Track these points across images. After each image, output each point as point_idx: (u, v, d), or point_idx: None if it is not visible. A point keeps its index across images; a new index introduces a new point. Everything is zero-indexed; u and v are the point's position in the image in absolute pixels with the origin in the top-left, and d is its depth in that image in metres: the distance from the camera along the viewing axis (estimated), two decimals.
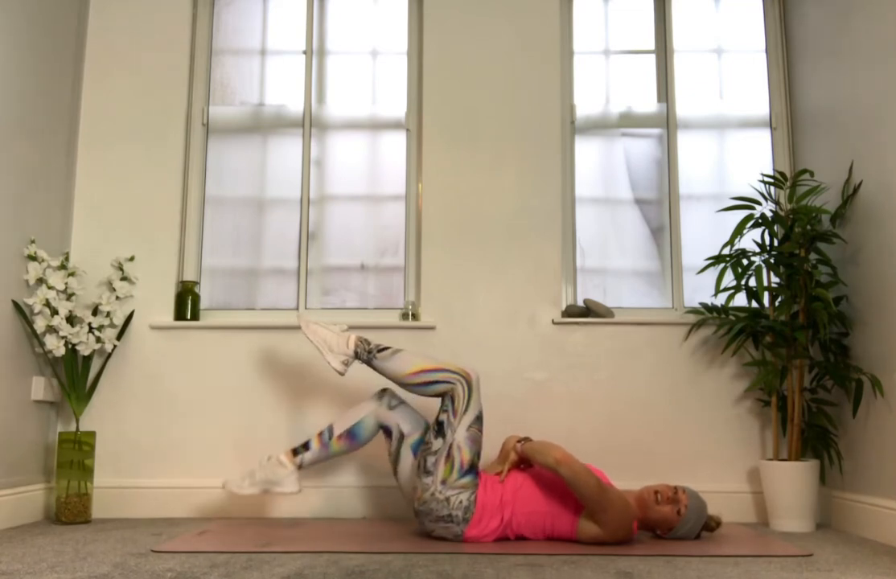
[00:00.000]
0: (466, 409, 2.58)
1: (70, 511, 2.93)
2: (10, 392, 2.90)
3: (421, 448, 2.62)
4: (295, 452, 2.72)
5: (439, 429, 2.58)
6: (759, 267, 3.00)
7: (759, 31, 3.61)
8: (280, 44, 3.63)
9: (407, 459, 2.68)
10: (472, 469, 2.55)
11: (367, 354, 2.72)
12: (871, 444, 2.78)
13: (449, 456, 2.53)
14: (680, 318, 3.31)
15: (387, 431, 2.73)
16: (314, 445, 2.72)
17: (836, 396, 3.04)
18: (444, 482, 2.52)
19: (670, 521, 2.55)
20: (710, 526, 2.66)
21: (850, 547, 2.53)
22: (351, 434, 2.72)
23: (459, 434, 2.55)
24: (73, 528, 2.82)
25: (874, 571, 2.12)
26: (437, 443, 2.56)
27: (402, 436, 2.70)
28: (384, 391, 2.78)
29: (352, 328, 3.28)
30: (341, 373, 2.74)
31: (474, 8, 3.48)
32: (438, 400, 2.95)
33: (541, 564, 2.17)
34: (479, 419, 2.60)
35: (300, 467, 2.71)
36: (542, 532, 2.55)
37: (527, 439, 2.65)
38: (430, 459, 2.55)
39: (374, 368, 2.72)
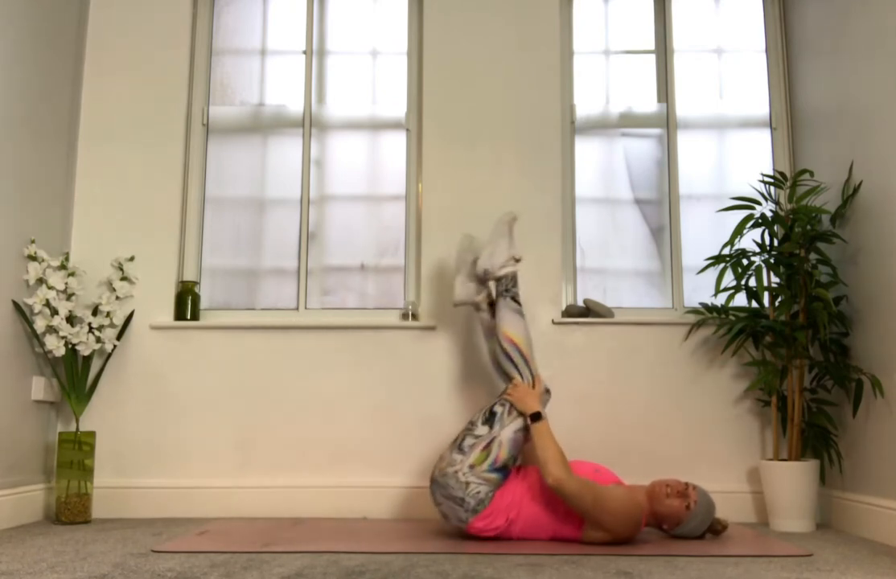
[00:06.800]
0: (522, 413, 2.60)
1: (70, 511, 2.93)
2: (10, 392, 2.90)
3: (466, 425, 2.63)
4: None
5: (490, 417, 2.59)
6: (759, 267, 3.00)
7: (759, 30, 3.61)
8: (280, 44, 3.63)
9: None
10: (504, 469, 2.55)
11: (504, 291, 2.79)
12: (871, 444, 2.78)
13: (488, 446, 2.53)
14: (680, 318, 3.31)
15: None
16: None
17: (836, 396, 3.04)
18: (472, 467, 2.52)
19: (679, 515, 2.54)
20: (717, 528, 2.65)
21: (850, 547, 2.53)
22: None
23: (507, 432, 2.56)
24: (73, 528, 2.82)
25: (874, 571, 2.12)
26: (482, 429, 2.57)
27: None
28: None
29: (351, 328, 3.28)
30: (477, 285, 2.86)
31: (474, 8, 3.48)
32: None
33: (541, 564, 2.17)
34: (528, 429, 2.58)
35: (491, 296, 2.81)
36: (545, 533, 2.55)
37: (546, 390, 2.73)
38: (469, 440, 2.56)
39: (494, 305, 2.81)
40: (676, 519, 2.55)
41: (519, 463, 2.73)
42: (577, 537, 2.51)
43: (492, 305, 2.86)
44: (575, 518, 2.50)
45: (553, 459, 2.44)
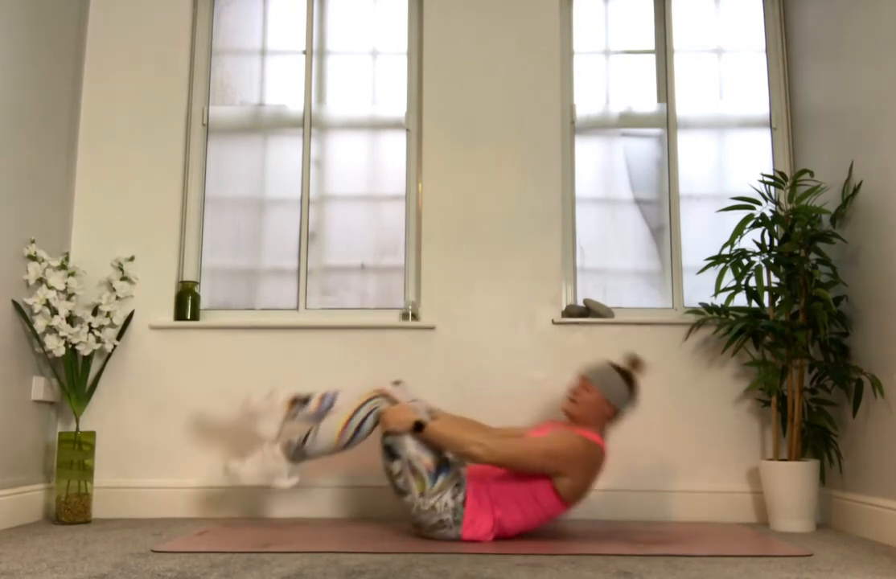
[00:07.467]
0: None
1: (70, 511, 2.93)
2: (10, 392, 2.90)
3: (386, 475, 2.58)
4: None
5: (390, 452, 2.53)
6: (759, 267, 3.00)
7: (759, 31, 3.61)
8: (280, 44, 3.63)
9: None
10: (441, 466, 2.52)
11: (296, 452, 2.67)
12: (871, 444, 2.78)
13: (414, 471, 2.50)
14: (680, 318, 3.31)
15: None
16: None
17: (836, 396, 3.04)
18: (422, 494, 2.50)
19: (596, 401, 2.59)
20: (635, 366, 2.72)
21: (850, 547, 2.53)
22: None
23: (410, 449, 2.51)
24: (73, 528, 2.82)
25: (874, 571, 2.13)
26: (395, 466, 2.52)
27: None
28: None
29: (351, 328, 3.28)
30: (286, 487, 2.72)
31: (474, 8, 3.48)
32: None
33: (541, 564, 2.17)
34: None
35: (298, 452, 2.68)
36: (535, 517, 2.55)
37: (398, 382, 2.77)
38: (399, 481, 2.52)
39: (311, 458, 2.68)
40: (601, 405, 2.59)
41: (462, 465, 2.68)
42: (556, 499, 2.52)
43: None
44: (545, 482, 2.51)
45: (468, 442, 2.47)
